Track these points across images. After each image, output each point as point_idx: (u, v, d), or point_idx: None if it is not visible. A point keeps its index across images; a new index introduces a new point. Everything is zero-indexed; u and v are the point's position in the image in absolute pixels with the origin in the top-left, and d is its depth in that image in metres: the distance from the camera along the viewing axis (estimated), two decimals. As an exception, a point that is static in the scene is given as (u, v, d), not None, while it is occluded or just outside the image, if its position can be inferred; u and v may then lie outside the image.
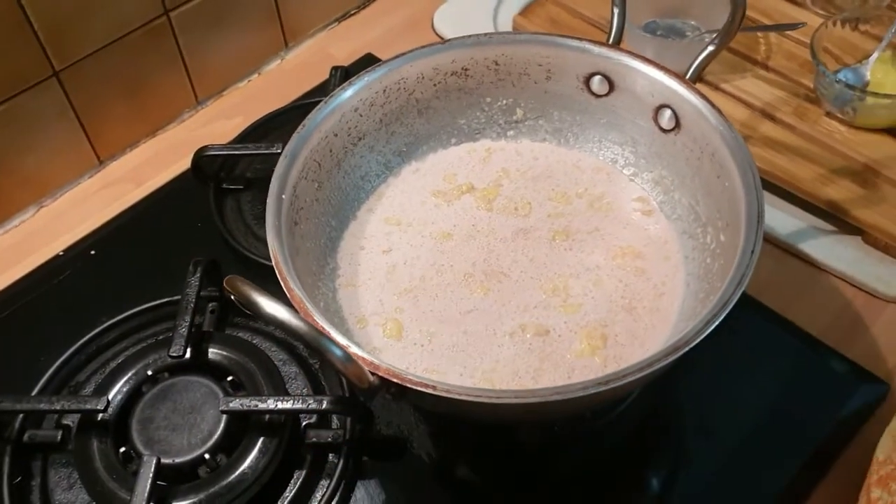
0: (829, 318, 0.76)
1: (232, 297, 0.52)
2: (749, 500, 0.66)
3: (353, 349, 0.54)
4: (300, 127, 0.68)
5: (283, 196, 0.64)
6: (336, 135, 0.71)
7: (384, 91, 0.72)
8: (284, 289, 0.58)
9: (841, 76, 0.86)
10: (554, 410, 0.58)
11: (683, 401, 0.72)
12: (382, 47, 1.01)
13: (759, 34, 0.94)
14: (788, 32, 0.93)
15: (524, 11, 1.01)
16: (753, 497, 0.66)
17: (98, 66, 0.86)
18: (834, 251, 0.79)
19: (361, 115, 0.72)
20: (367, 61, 0.99)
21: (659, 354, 0.52)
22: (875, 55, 0.87)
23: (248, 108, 0.96)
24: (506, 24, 1.02)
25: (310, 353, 0.74)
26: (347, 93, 0.70)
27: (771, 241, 0.80)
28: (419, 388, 0.52)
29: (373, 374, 0.53)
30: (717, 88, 0.90)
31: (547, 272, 0.68)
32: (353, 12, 1.07)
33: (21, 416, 0.70)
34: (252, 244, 0.82)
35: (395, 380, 0.53)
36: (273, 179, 0.64)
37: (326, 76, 0.97)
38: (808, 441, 0.69)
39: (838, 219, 0.80)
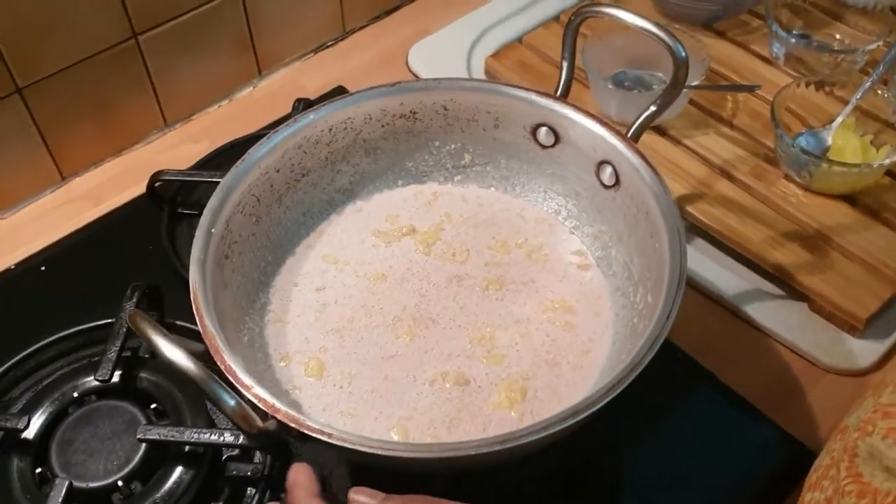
0: (766, 383, 0.75)
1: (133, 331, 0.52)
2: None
3: (256, 390, 0.54)
4: (239, 161, 0.68)
5: (213, 230, 0.64)
6: (278, 171, 0.71)
7: (330, 130, 0.73)
8: (199, 325, 0.58)
9: (802, 140, 0.86)
10: (457, 465, 0.58)
11: (607, 457, 0.71)
12: (354, 81, 1.01)
13: (728, 92, 0.94)
14: (757, 91, 0.93)
15: (496, 54, 1.01)
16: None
17: (63, 85, 0.87)
18: (778, 315, 0.78)
19: (305, 153, 0.72)
20: (336, 94, 1.00)
21: (554, 418, 0.52)
22: (839, 119, 0.87)
23: (215, 134, 0.97)
24: (479, 65, 1.02)
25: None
26: (290, 130, 0.71)
27: (716, 300, 0.80)
28: (315, 436, 0.52)
29: (271, 417, 0.53)
30: (678, 143, 0.90)
31: (476, 321, 0.68)
32: (329, 44, 1.08)
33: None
34: (199, 271, 0.82)
35: (292, 424, 0.53)
36: (205, 212, 0.65)
37: (296, 107, 0.98)
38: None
39: (786, 283, 0.79)
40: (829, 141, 0.86)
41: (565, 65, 0.72)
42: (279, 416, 0.53)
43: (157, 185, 0.86)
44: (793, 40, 0.95)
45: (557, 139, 0.72)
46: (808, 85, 0.89)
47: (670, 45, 0.66)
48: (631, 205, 0.68)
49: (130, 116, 0.94)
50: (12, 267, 0.85)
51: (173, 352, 0.50)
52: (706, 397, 0.74)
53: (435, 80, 0.73)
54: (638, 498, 0.69)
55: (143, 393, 0.71)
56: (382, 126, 0.75)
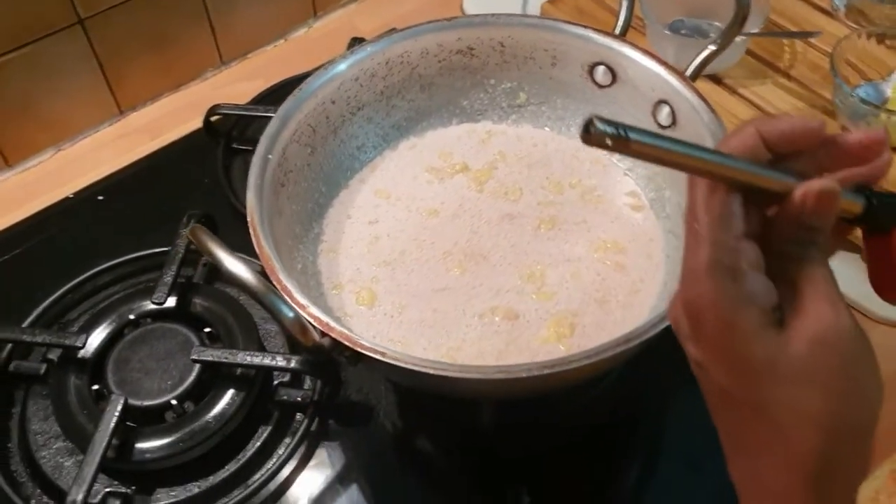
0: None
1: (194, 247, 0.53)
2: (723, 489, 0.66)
3: (312, 309, 0.55)
4: (296, 90, 0.69)
5: (270, 156, 0.65)
6: (334, 102, 0.71)
7: (386, 63, 0.73)
8: (255, 245, 0.59)
9: (860, 91, 0.84)
10: (506, 389, 0.58)
11: (650, 405, 0.71)
12: (408, 23, 1.01)
13: (785, 41, 0.92)
14: (815, 43, 0.91)
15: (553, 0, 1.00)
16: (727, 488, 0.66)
17: (124, 18, 0.88)
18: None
19: (362, 86, 0.73)
20: (392, 35, 1.00)
21: (610, 343, 0.52)
22: (898, 73, 0.85)
23: (270, 72, 0.97)
24: (535, 10, 1.01)
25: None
26: (348, 61, 0.71)
27: (767, 250, 0.79)
28: (368, 354, 0.53)
29: (324, 335, 0.54)
30: (734, 92, 0.88)
31: (526, 259, 0.68)
32: (384, -14, 1.07)
33: (9, 346, 0.72)
34: (252, 204, 0.83)
35: (346, 343, 0.54)
36: (262, 139, 0.66)
37: (350, 47, 0.98)
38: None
39: (840, 235, 0.78)
40: (889, 93, 0.84)
41: (625, 4, 0.71)
42: (333, 335, 0.54)
43: (213, 118, 0.87)
44: (854, -8, 0.93)
45: (615, 78, 0.72)
46: (868, 37, 0.87)
47: None
48: (687, 146, 0.67)
49: (188, 53, 0.95)
50: (70, 196, 0.87)
51: (234, 264, 0.51)
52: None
53: (493, 15, 0.73)
54: (683, 448, 0.69)
55: (197, 317, 0.73)
56: (439, 61, 0.75)
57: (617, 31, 0.71)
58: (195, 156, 0.89)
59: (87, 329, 0.72)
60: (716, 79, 0.90)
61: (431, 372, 0.52)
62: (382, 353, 0.53)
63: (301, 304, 0.55)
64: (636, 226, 0.70)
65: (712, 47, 0.67)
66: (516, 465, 0.67)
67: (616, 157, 0.75)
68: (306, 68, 0.96)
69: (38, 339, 0.69)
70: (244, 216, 0.80)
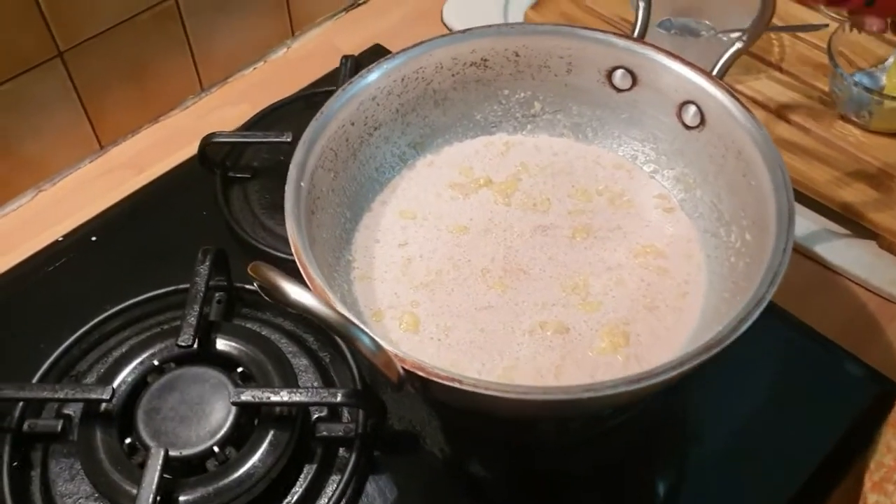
0: (842, 322, 0.75)
1: (256, 284, 0.50)
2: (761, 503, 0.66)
3: (380, 341, 0.53)
4: (318, 114, 0.66)
5: (302, 184, 0.62)
6: (353, 123, 0.69)
7: (402, 80, 0.71)
8: (305, 278, 0.56)
9: (857, 79, 0.85)
10: (579, 408, 0.57)
11: (696, 401, 0.71)
12: (390, 38, 0.99)
13: (773, 35, 0.93)
14: (802, 36, 0.93)
15: (536, 6, 1.00)
16: (766, 500, 0.66)
17: (103, 48, 0.83)
18: (848, 255, 0.79)
19: (378, 105, 0.70)
20: (376, 51, 0.98)
21: (692, 353, 0.51)
22: (891, 59, 0.87)
23: (253, 96, 0.94)
24: (516, 19, 1.01)
25: (319, 345, 0.73)
26: (366, 80, 0.69)
27: (785, 242, 0.79)
28: (446, 383, 0.51)
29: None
30: (731, 88, 0.89)
31: (566, 270, 0.67)
32: (361, 2, 1.05)
33: (21, 404, 0.68)
34: (259, 234, 0.80)
35: (420, 373, 0.51)
36: (291, 167, 0.63)
37: (332, 66, 0.95)
38: (822, 443, 0.68)
39: (853, 222, 0.80)
40: (884, 80, 0.86)
41: (642, 5, 0.71)
42: (406, 365, 0.52)
43: (208, 147, 0.83)
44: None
45: (635, 82, 0.71)
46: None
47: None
48: (718, 144, 0.67)
49: (168, 81, 0.91)
50: (60, 239, 0.82)
51: (306, 297, 0.48)
52: (788, 337, 0.73)
53: (508, 25, 0.72)
54: (723, 439, 0.68)
55: (224, 357, 0.69)
56: (453, 75, 0.73)
57: (635, 33, 0.71)
58: (187, 188, 0.86)
59: (108, 379, 0.68)
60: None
61: (514, 397, 0.51)
62: (460, 381, 0.51)
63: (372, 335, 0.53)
64: (671, 228, 0.70)
65: (739, 45, 0.67)
66: (569, 483, 0.66)
67: (639, 161, 0.74)
68: (289, 90, 0.94)
69: (60, 394, 0.65)
70: (252, 248, 0.78)
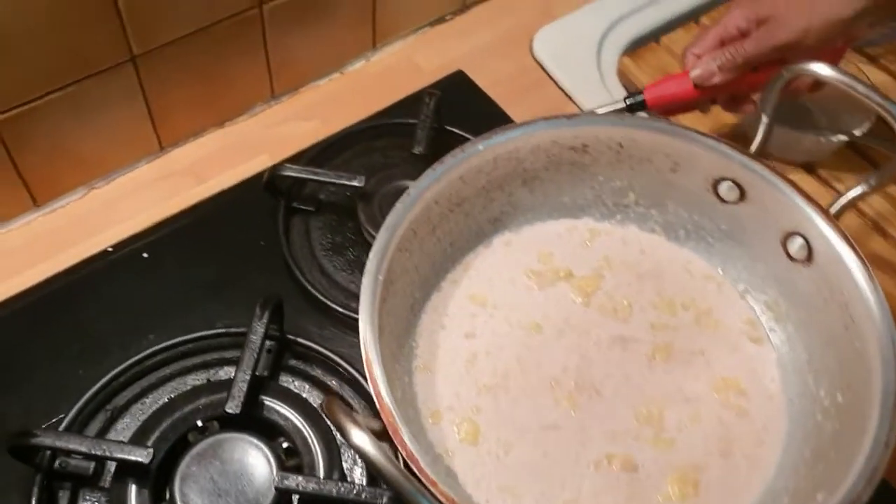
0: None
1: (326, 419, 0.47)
2: None
3: (443, 487, 0.49)
4: (404, 196, 0.62)
5: (380, 277, 0.58)
6: (437, 202, 0.65)
7: (494, 159, 0.66)
8: (378, 404, 0.52)
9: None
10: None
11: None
12: (474, 66, 0.94)
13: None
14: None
15: (633, 55, 0.94)
16: None
17: (178, 53, 0.79)
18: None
19: (465, 183, 0.66)
20: (458, 81, 0.93)
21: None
22: None
23: (325, 112, 0.89)
24: (610, 60, 0.95)
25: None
26: (456, 160, 0.64)
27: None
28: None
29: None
30: (827, 184, 0.84)
31: (642, 395, 0.63)
32: (447, 17, 0.99)
33: (54, 443, 0.65)
34: (316, 278, 0.77)
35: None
36: (371, 255, 0.59)
37: (411, 86, 0.91)
38: None
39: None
40: None
41: (765, 120, 0.65)
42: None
43: (275, 178, 0.79)
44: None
45: (742, 197, 0.66)
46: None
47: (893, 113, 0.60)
48: (823, 287, 0.62)
49: (238, 85, 0.87)
50: (109, 249, 0.79)
51: (377, 456, 0.45)
52: None
53: (618, 114, 0.67)
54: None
55: (269, 424, 0.67)
56: (548, 157, 0.68)
57: (753, 148, 0.65)
58: (247, 211, 0.82)
59: (147, 432, 0.65)
60: (809, 167, 0.85)
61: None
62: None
63: (431, 481, 0.49)
64: (754, 360, 0.66)
65: (864, 187, 0.62)
66: None
67: (731, 276, 0.69)
68: (363, 108, 0.89)
69: (98, 451, 0.62)
70: (308, 294, 0.75)
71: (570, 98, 0.92)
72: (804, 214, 0.63)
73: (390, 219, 0.60)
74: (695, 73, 0.71)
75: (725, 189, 0.67)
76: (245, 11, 0.80)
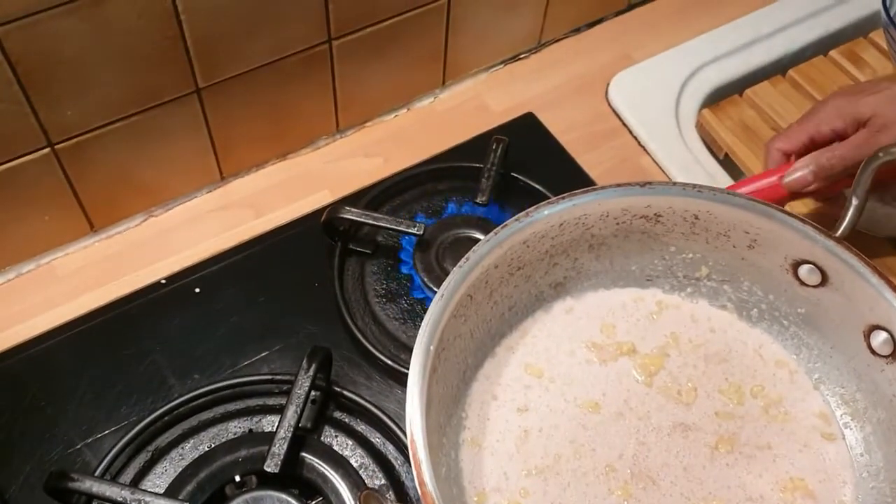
0: None
1: None
2: None
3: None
4: (463, 260, 0.59)
5: (432, 347, 0.55)
6: (496, 266, 0.62)
7: (560, 224, 0.63)
8: (419, 489, 0.49)
9: None
10: None
11: None
12: (545, 109, 0.90)
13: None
14: None
15: (714, 107, 0.89)
16: None
17: (243, 87, 0.77)
18: None
19: (528, 247, 0.63)
20: (528, 123, 0.89)
21: None
22: None
23: (389, 150, 0.87)
24: (689, 111, 0.91)
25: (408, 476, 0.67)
26: (520, 225, 0.61)
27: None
28: None
29: None
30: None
31: (701, 490, 0.59)
32: (521, 56, 0.96)
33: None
34: (368, 325, 0.74)
35: None
36: (424, 325, 0.56)
37: (479, 127, 0.88)
38: None
39: None
40: None
41: (855, 202, 0.61)
42: None
43: (334, 220, 0.76)
44: None
45: (824, 281, 0.62)
46: None
47: None
48: (908, 388, 0.58)
49: (303, 119, 0.85)
50: (163, 281, 0.77)
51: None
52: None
53: (695, 187, 0.62)
54: None
55: (307, 482, 0.64)
56: (617, 224, 0.65)
57: (839, 232, 0.61)
58: (304, 248, 0.80)
59: (186, 480, 0.64)
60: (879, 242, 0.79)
61: None
62: None
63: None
64: (826, 460, 0.61)
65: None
66: None
67: (804, 364, 0.65)
68: (428, 146, 0.87)
69: (134, 502, 0.61)
70: (358, 343, 0.72)
71: (644, 149, 0.88)
72: (892, 309, 0.58)
73: (444, 288, 0.57)
74: (789, 179, 0.67)
75: (806, 272, 0.62)
76: (314, 47, 0.78)
